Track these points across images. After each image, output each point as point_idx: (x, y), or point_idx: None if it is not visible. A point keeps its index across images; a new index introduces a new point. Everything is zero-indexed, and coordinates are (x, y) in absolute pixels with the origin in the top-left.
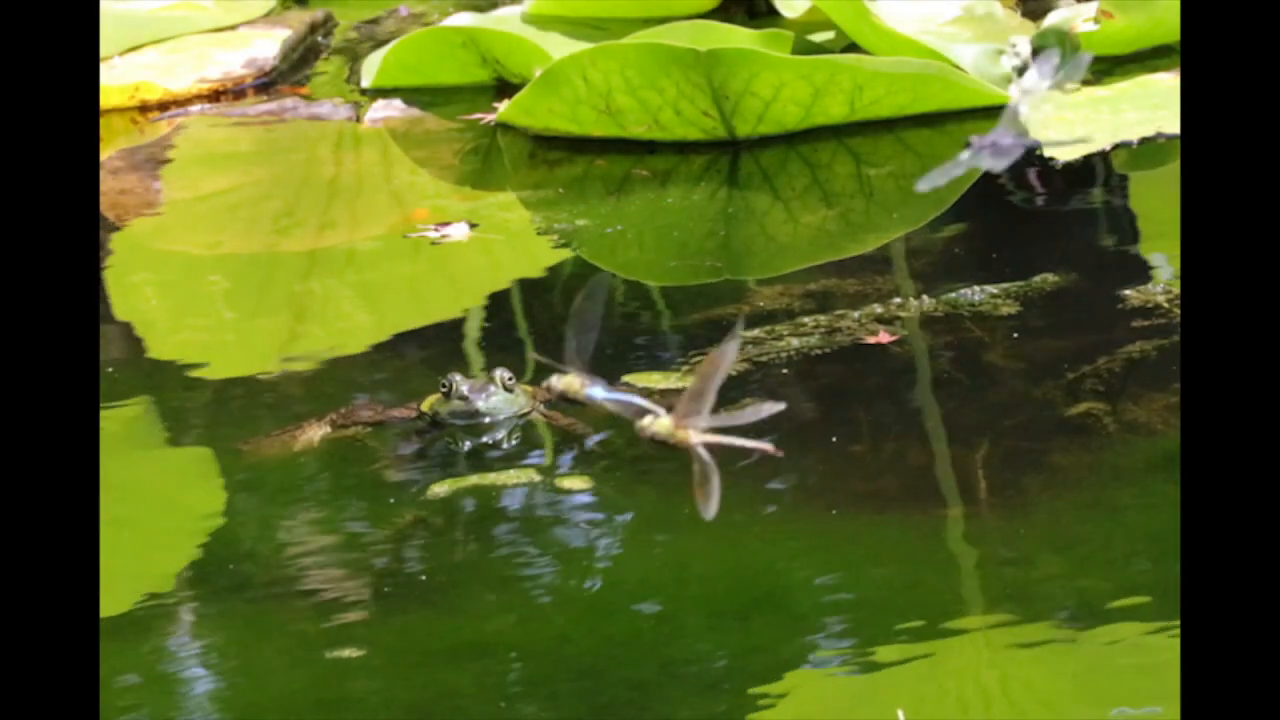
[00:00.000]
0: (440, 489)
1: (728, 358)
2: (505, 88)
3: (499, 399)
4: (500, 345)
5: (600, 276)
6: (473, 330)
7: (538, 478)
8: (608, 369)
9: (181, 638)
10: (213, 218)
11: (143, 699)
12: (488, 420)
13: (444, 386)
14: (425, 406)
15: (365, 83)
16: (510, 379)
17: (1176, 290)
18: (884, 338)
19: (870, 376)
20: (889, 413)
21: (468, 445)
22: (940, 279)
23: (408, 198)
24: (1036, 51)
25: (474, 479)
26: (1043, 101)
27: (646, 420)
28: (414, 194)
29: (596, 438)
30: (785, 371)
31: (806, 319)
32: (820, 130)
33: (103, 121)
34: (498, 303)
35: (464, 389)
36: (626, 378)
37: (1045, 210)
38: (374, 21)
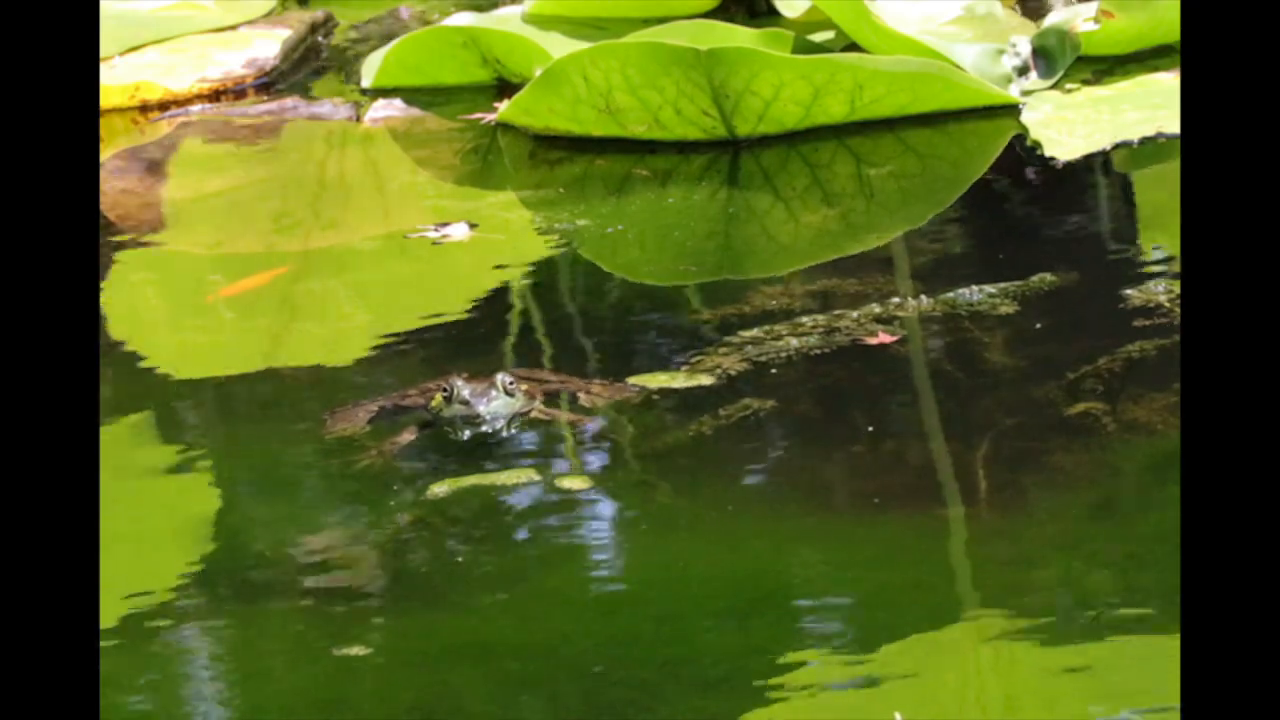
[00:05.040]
0: (440, 489)
1: None
2: (505, 87)
3: (500, 403)
4: (499, 345)
5: None
6: (473, 330)
7: (538, 478)
8: (610, 369)
9: (182, 638)
10: (213, 218)
11: (144, 699)
12: (489, 422)
13: (445, 390)
14: (432, 404)
15: (365, 83)
16: (511, 383)
17: (1177, 289)
18: (884, 338)
19: (870, 376)
20: (889, 413)
21: (468, 446)
22: (940, 279)
23: (408, 197)
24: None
25: (474, 479)
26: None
27: None
28: (414, 194)
29: (594, 425)
30: (785, 371)
31: (806, 319)
32: (821, 130)
33: (103, 121)
34: (498, 303)
35: (465, 393)
36: (631, 379)
37: (1045, 210)
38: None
